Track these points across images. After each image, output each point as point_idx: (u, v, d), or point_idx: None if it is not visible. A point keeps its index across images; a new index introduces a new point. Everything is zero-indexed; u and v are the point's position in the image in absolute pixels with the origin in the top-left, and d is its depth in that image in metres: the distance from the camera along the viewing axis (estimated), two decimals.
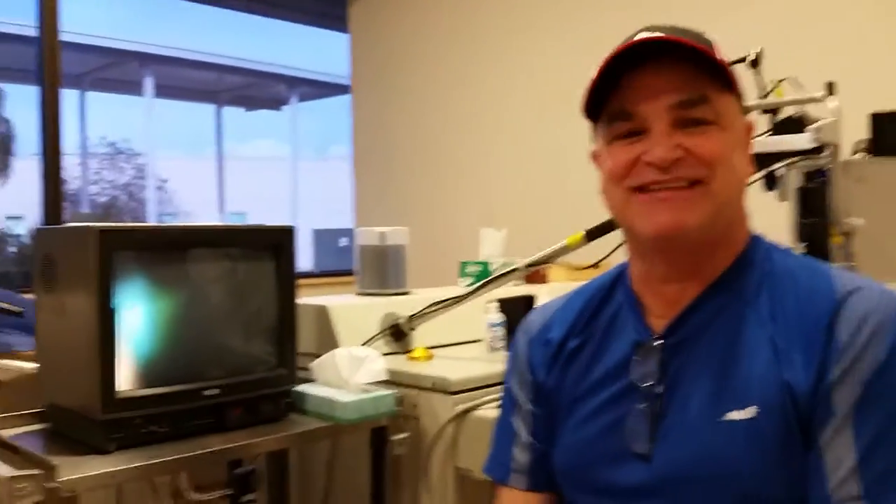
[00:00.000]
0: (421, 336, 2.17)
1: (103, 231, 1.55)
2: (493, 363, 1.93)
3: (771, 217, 1.45)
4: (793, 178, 1.69)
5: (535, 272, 2.68)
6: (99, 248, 1.54)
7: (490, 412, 1.72)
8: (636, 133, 0.96)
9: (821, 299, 0.92)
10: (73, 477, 1.41)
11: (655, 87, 0.94)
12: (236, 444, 1.64)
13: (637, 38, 0.96)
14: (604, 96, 0.98)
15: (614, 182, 0.98)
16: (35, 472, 1.42)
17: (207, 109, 10.98)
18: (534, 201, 3.64)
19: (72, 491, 1.41)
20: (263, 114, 11.68)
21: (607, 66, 0.96)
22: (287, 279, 1.84)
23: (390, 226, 2.44)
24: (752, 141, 1.03)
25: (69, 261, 1.63)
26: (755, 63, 1.65)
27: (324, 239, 9.73)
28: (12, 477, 1.40)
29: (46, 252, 1.69)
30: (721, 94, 0.96)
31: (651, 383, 0.98)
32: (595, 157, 1.05)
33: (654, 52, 0.94)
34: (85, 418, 1.58)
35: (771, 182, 1.69)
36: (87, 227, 1.56)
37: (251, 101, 11.03)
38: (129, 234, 1.66)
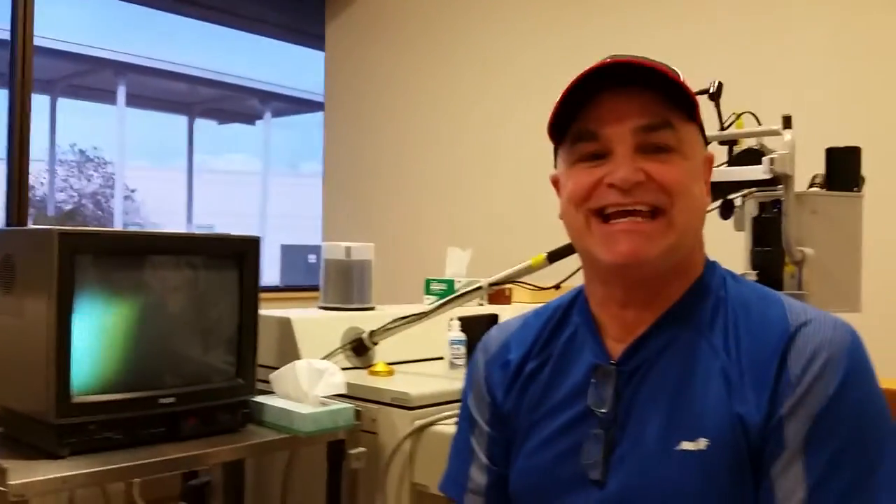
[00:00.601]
0: (383, 352, 2.18)
1: (64, 234, 1.55)
2: (454, 380, 1.94)
3: (726, 245, 1.49)
4: (749, 207, 1.73)
5: (499, 292, 2.70)
6: (59, 250, 1.53)
7: (449, 428, 1.73)
8: (599, 156, 0.97)
9: (773, 331, 0.93)
10: (24, 481, 1.40)
11: (621, 110, 0.96)
12: (191, 454, 1.64)
13: (606, 61, 0.97)
14: (569, 118, 0.99)
15: (575, 205, 0.99)
16: None
17: (180, 121, 10.90)
18: (500, 222, 3.67)
19: (21, 495, 1.39)
20: (236, 127, 11.61)
21: (574, 87, 0.97)
22: (250, 289, 1.84)
23: (358, 242, 2.45)
24: (711, 171, 1.05)
25: (29, 263, 1.62)
26: (715, 95, 1.69)
27: (292, 254, 9.68)
28: None
29: (6, 253, 1.67)
30: (684, 123, 0.97)
31: (606, 410, 0.99)
32: (555, 181, 1.06)
33: (620, 77, 0.96)
34: (38, 422, 1.57)
35: (727, 211, 1.73)
36: (48, 229, 1.56)
37: (224, 115, 10.97)
38: (90, 238, 1.65)
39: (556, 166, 1.06)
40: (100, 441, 1.58)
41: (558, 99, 0.98)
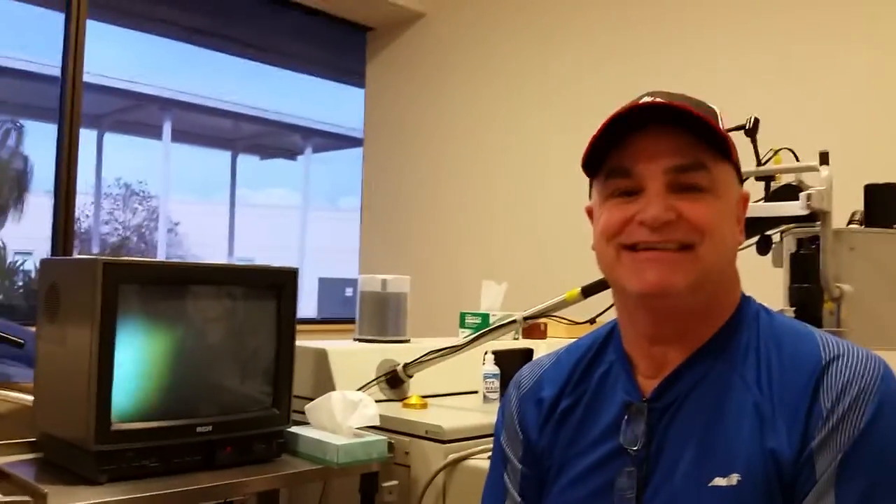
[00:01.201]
0: (417, 384, 2.18)
1: (108, 264, 1.59)
2: (487, 414, 1.93)
3: (764, 281, 1.48)
4: (787, 244, 1.71)
5: (534, 327, 2.70)
6: (103, 280, 1.57)
7: (482, 462, 1.72)
8: (632, 193, 0.98)
9: (805, 366, 0.93)
10: None
11: (654, 149, 0.97)
12: (226, 483, 1.65)
13: (641, 101, 0.98)
14: (604, 154, 1.01)
15: (606, 239, 1.00)
16: (26, 498, 1.43)
17: (223, 156, 11.11)
18: (535, 256, 3.67)
19: None
20: (278, 162, 11.80)
21: (610, 124, 0.98)
22: (287, 320, 1.86)
23: (394, 275, 2.47)
24: (746, 210, 1.05)
25: (73, 292, 1.66)
26: (752, 131, 1.69)
27: (329, 288, 9.76)
28: (2, 503, 1.41)
29: (51, 282, 1.72)
30: (718, 163, 0.98)
31: (638, 447, 0.99)
32: (589, 212, 1.08)
33: (656, 116, 0.97)
34: (78, 448, 1.59)
35: (765, 247, 1.72)
36: (94, 259, 1.60)
37: (266, 150, 11.17)
38: (134, 268, 1.69)
39: (590, 197, 1.07)
40: (137, 468, 1.60)
41: (593, 136, 0.99)
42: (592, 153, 1.01)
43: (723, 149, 0.98)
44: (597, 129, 0.99)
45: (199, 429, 1.68)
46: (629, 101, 1.00)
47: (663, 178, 0.96)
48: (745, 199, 1.05)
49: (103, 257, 1.60)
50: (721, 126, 0.98)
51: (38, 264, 1.92)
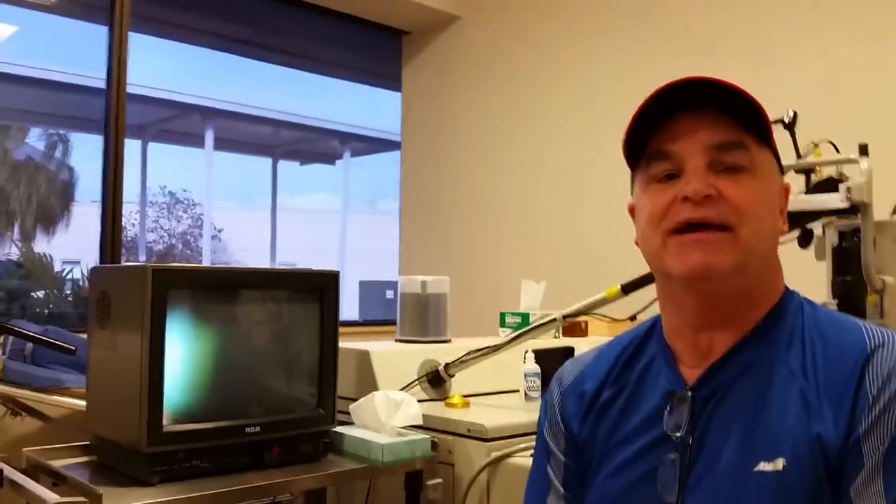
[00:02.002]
0: (459, 384, 2.20)
1: (156, 270, 1.63)
2: (529, 412, 1.94)
3: (808, 275, 1.47)
4: (829, 237, 1.70)
5: (575, 325, 2.70)
6: (152, 286, 1.61)
7: (525, 460, 1.73)
8: (673, 176, 0.98)
9: (850, 353, 0.93)
10: None
11: (693, 128, 0.97)
12: (275, 482, 1.69)
13: (679, 79, 0.98)
14: (643, 140, 1.01)
15: (652, 226, 1.00)
16: (81, 499, 1.48)
17: (264, 163, 11.25)
18: (574, 256, 3.67)
19: None
20: (317, 167, 11.92)
21: (648, 106, 0.99)
22: (330, 322, 1.90)
23: (433, 276, 2.49)
24: (788, 200, 1.04)
25: (123, 298, 1.71)
26: (790, 125, 1.68)
27: (370, 290, 9.83)
28: (60, 503, 1.46)
29: (102, 289, 1.77)
30: (757, 146, 0.98)
31: (682, 433, 0.99)
32: (631, 209, 1.08)
33: (694, 98, 0.97)
34: (130, 451, 1.64)
35: (806, 240, 1.70)
36: (143, 266, 1.64)
37: (305, 156, 11.28)
38: (181, 274, 1.73)
39: (632, 194, 1.08)
40: (188, 469, 1.64)
41: (632, 117, 1.00)
42: (632, 138, 1.02)
43: (762, 131, 0.98)
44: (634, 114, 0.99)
45: (247, 429, 1.72)
46: (667, 82, 0.99)
47: (704, 156, 0.96)
48: (787, 189, 1.05)
49: (152, 264, 1.65)
50: (763, 110, 0.97)
51: (85, 272, 1.97)
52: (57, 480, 1.68)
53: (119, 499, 1.50)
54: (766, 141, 0.99)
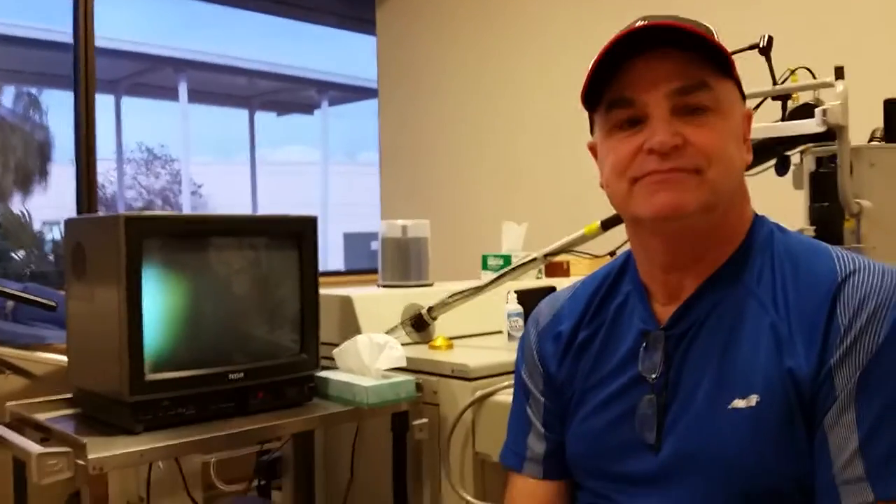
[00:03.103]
0: (442, 327, 2.20)
1: (130, 219, 1.60)
2: (512, 352, 1.92)
3: (785, 202, 1.47)
4: (807, 164, 1.70)
5: (557, 265, 2.71)
6: (126, 235, 1.59)
7: (509, 397, 1.73)
8: (636, 122, 0.97)
9: (821, 283, 0.93)
10: (102, 455, 1.46)
11: (654, 74, 0.96)
12: (261, 426, 1.69)
13: (636, 25, 0.97)
14: (603, 85, 0.99)
15: (617, 175, 0.99)
16: (65, 449, 1.48)
17: (241, 114, 11.11)
18: (554, 196, 3.66)
19: (100, 468, 1.45)
20: (295, 118, 11.78)
21: (606, 53, 0.97)
22: (310, 268, 1.88)
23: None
24: (751, 128, 1.04)
25: (98, 249, 1.69)
26: (766, 50, 1.66)
27: (355, 242, 9.83)
28: (42, 454, 1.45)
29: (76, 241, 1.75)
30: (720, 81, 0.97)
31: (657, 374, 1.00)
32: (592, 148, 1.07)
33: (652, 40, 0.96)
34: (113, 401, 1.63)
35: (783, 167, 1.70)
36: (116, 215, 1.62)
37: (283, 106, 11.14)
38: (156, 222, 1.71)
39: (592, 133, 1.06)
40: (172, 417, 1.64)
41: (591, 66, 0.98)
42: (591, 85, 1.00)
43: (723, 65, 0.97)
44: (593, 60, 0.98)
45: (230, 376, 1.72)
46: (622, 29, 0.98)
47: (666, 102, 0.95)
48: (749, 116, 1.04)
49: (125, 213, 1.62)
50: (718, 41, 0.96)
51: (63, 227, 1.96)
52: (42, 433, 1.67)
53: (104, 448, 1.50)
54: (729, 73, 0.98)
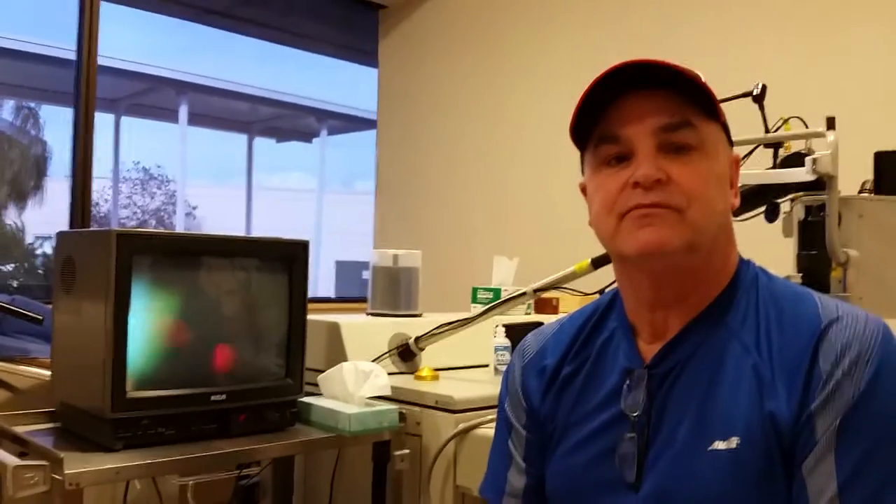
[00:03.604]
0: (429, 358, 2.20)
1: (121, 235, 1.61)
2: (498, 385, 1.93)
3: (774, 249, 1.48)
4: (796, 212, 1.71)
5: (546, 302, 2.71)
6: (117, 251, 1.59)
7: (491, 431, 1.73)
8: (623, 159, 0.98)
9: (804, 328, 0.93)
10: (79, 470, 1.45)
11: (641, 111, 0.97)
12: (241, 448, 1.68)
13: (624, 63, 0.99)
14: (590, 123, 1.01)
15: (606, 211, 1.00)
16: (42, 462, 1.46)
17: (240, 139, 11.15)
18: (546, 233, 3.67)
19: (76, 483, 1.44)
20: (293, 145, 11.83)
21: (595, 91, 0.99)
22: (299, 292, 1.89)
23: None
24: (738, 173, 1.05)
25: (88, 263, 1.69)
26: (759, 98, 1.69)
27: (346, 270, 9.81)
28: (19, 466, 1.44)
29: (67, 254, 1.75)
30: (706, 122, 0.98)
31: (639, 413, 1.00)
32: (583, 188, 1.08)
33: (639, 79, 0.97)
34: (94, 417, 1.62)
35: (772, 214, 1.72)
36: (108, 231, 1.62)
37: (282, 133, 11.19)
38: (147, 239, 1.71)
39: (583, 173, 1.07)
40: (153, 435, 1.63)
41: (577, 103, 1.00)
42: (579, 122, 1.01)
43: (709, 108, 0.98)
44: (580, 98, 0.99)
45: (213, 397, 1.71)
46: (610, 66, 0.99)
47: (652, 139, 0.96)
48: (736, 160, 1.05)
49: (117, 229, 1.63)
50: (707, 87, 0.97)
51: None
52: (20, 446, 1.66)
53: (81, 463, 1.49)
54: (715, 116, 0.99)
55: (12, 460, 1.49)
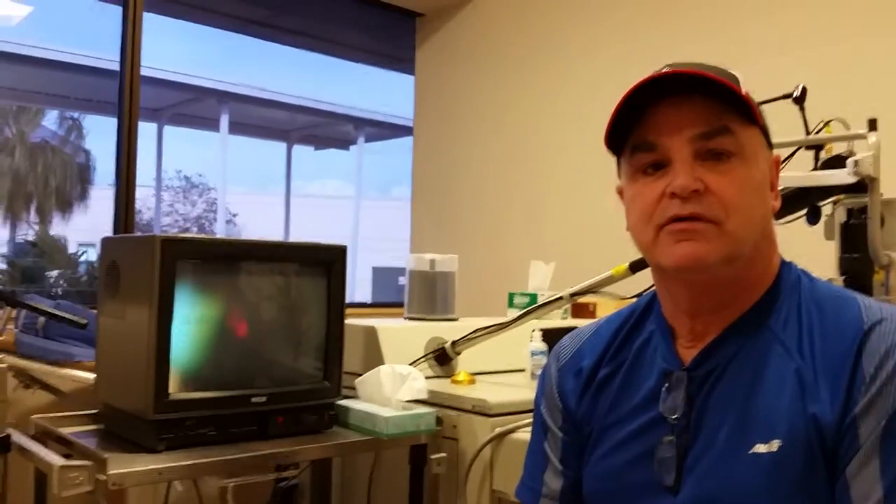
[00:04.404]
0: (466, 362, 2.20)
1: (166, 240, 1.64)
2: (534, 390, 1.94)
3: (817, 254, 1.46)
4: (838, 215, 1.69)
5: (583, 307, 2.70)
6: (161, 255, 1.62)
7: (528, 436, 1.73)
8: (659, 167, 0.97)
9: (847, 331, 0.92)
10: (122, 471, 1.48)
11: (678, 119, 0.96)
12: (280, 450, 1.70)
13: (661, 71, 0.98)
14: (627, 129, 1.00)
15: (644, 221, 0.99)
16: (86, 463, 1.50)
17: (279, 147, 11.29)
18: (583, 238, 3.66)
19: (119, 484, 1.47)
20: (331, 153, 11.95)
21: (630, 98, 0.98)
22: (337, 297, 1.90)
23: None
24: (779, 174, 1.04)
25: (133, 268, 1.72)
26: (800, 100, 1.67)
27: (383, 276, 9.89)
28: (64, 466, 1.48)
29: (112, 260, 1.78)
30: (744, 127, 0.96)
31: (678, 415, 0.99)
32: (620, 192, 1.07)
33: (676, 86, 0.96)
34: (137, 418, 1.66)
35: (814, 217, 1.69)
36: (152, 236, 1.65)
37: (320, 140, 11.31)
38: (191, 245, 1.74)
39: (619, 177, 1.07)
40: (194, 437, 1.65)
41: (613, 110, 0.99)
42: (615, 129, 1.00)
43: (747, 113, 0.96)
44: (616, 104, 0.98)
45: (253, 399, 1.73)
46: (648, 74, 0.98)
47: (689, 147, 0.95)
48: (777, 161, 1.03)
49: (161, 234, 1.66)
50: (743, 90, 0.96)
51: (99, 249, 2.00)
52: (65, 447, 1.69)
53: (125, 464, 1.52)
54: (754, 120, 0.98)
55: (58, 460, 1.53)
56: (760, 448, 0.92)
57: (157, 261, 1.62)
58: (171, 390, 1.64)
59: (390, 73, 5.88)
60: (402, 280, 2.59)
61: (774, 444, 0.91)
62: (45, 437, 1.77)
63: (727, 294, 1.00)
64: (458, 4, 4.44)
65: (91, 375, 2.19)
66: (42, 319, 2.58)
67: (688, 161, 0.95)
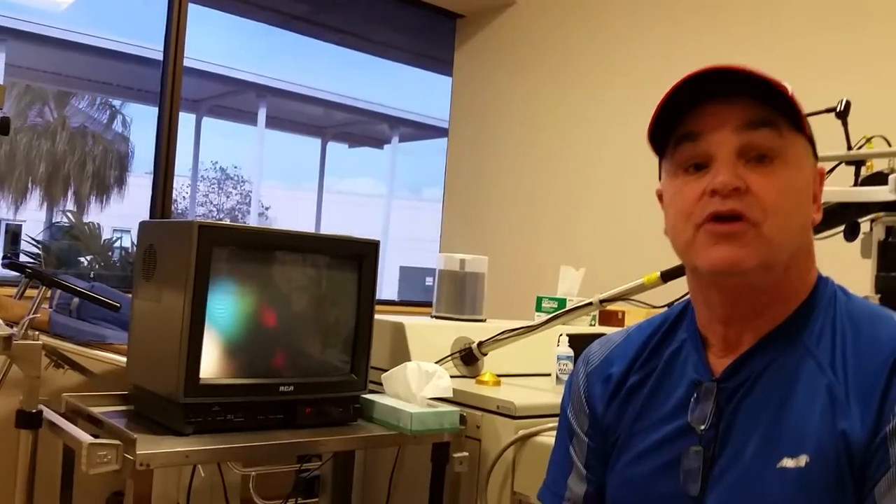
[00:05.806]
0: (491, 363, 2.21)
1: (203, 226, 1.66)
2: (560, 394, 1.93)
3: (854, 271, 1.44)
4: (876, 232, 1.67)
5: (612, 314, 2.69)
6: (198, 241, 1.64)
7: (551, 439, 1.73)
8: (701, 167, 0.96)
9: (882, 348, 0.91)
10: (150, 451, 1.51)
11: (722, 115, 0.95)
12: (305, 440, 1.72)
13: (708, 67, 0.96)
14: (671, 126, 0.99)
15: (683, 220, 0.98)
16: (115, 442, 1.52)
17: (314, 143, 11.35)
18: (614, 244, 3.64)
19: (147, 464, 1.49)
20: (365, 151, 12.00)
21: (675, 95, 0.97)
22: (368, 291, 1.92)
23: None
24: (822, 187, 1.02)
25: (169, 252, 1.75)
26: (843, 114, 1.65)
27: (410, 276, 9.90)
28: (93, 444, 1.50)
29: (149, 243, 1.81)
30: (790, 133, 0.95)
31: (707, 426, 0.98)
32: (659, 195, 1.06)
33: (723, 85, 0.95)
34: (167, 400, 1.68)
35: (852, 233, 1.68)
36: (190, 221, 1.68)
37: (354, 138, 11.36)
38: (227, 232, 1.77)
39: (660, 179, 1.06)
40: (222, 422, 1.67)
41: (659, 102, 0.98)
42: (658, 125, 1.00)
43: (794, 119, 0.95)
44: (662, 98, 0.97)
45: (281, 388, 1.75)
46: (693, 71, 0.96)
47: (733, 141, 0.94)
48: (821, 174, 1.02)
49: (199, 220, 1.68)
50: (792, 95, 0.94)
51: (135, 241, 2.03)
52: (94, 426, 1.72)
53: (152, 445, 1.54)
54: (800, 127, 0.96)
55: (87, 438, 1.55)
56: (788, 463, 0.91)
57: (194, 246, 1.64)
58: (201, 375, 1.66)
59: (427, 74, 5.89)
60: (430, 280, 2.60)
61: (802, 460, 0.90)
62: (75, 415, 1.80)
63: (762, 302, 0.99)
64: (499, 7, 4.44)
65: (122, 358, 2.23)
66: (76, 300, 2.63)
67: (731, 159, 0.94)
